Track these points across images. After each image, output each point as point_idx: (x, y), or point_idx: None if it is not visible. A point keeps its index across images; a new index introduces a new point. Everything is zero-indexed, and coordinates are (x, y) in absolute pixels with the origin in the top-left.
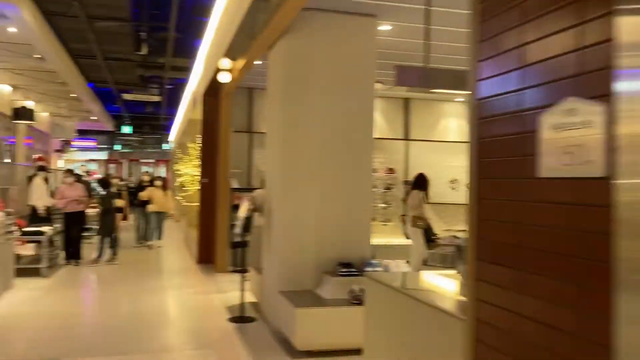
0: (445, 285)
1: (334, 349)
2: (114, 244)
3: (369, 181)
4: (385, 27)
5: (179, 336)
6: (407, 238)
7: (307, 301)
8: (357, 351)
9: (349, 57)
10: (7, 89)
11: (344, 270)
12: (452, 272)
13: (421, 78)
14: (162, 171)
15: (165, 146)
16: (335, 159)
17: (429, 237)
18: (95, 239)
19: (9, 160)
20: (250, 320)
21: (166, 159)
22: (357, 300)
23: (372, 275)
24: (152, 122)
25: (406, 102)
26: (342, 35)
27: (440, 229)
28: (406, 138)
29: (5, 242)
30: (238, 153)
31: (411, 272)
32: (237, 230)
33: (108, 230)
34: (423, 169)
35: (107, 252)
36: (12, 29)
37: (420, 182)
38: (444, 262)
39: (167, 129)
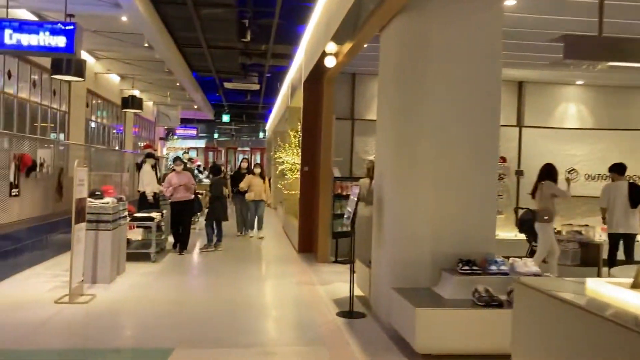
0: (632, 301)
1: (456, 354)
2: (219, 232)
3: (493, 171)
4: (510, 1)
5: (288, 329)
6: (520, 232)
7: (426, 301)
8: (483, 357)
9: (472, 36)
10: (116, 78)
11: (465, 268)
12: (625, 280)
13: (598, 50)
14: (257, 159)
15: (260, 135)
16: (456, 147)
17: None
18: (200, 226)
19: (118, 148)
20: (360, 315)
21: (261, 147)
22: (482, 302)
23: (526, 281)
24: (250, 111)
25: (520, 85)
26: (464, 12)
27: (558, 224)
28: (519, 124)
29: (119, 227)
30: (339, 141)
31: (573, 279)
32: (346, 220)
33: (217, 217)
34: (537, 157)
35: (213, 239)
36: (123, 18)
37: (551, 173)
38: (565, 260)
39: (263, 117)
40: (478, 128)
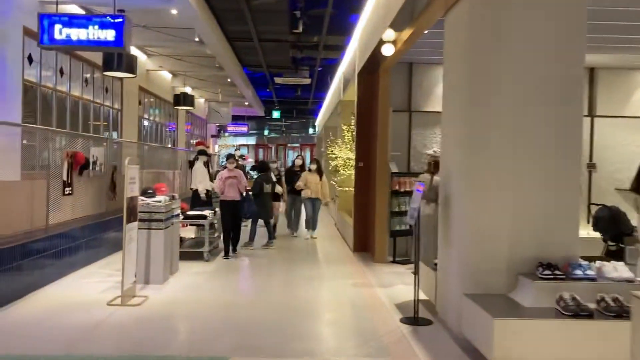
0: None
1: None
2: (268, 230)
3: (576, 164)
4: None
5: (348, 337)
6: (595, 230)
7: (505, 310)
8: None
9: (553, 15)
10: (168, 76)
11: (546, 272)
12: None
13: None
14: (307, 155)
15: (310, 130)
16: (535, 139)
17: (624, 230)
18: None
19: (170, 146)
20: (425, 322)
21: (311, 143)
22: (569, 311)
23: None
24: (300, 107)
25: (591, 72)
26: None
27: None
28: (591, 114)
29: (171, 226)
30: (396, 134)
31: None
32: (410, 219)
33: (258, 215)
34: (611, 149)
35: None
36: (173, 11)
37: None
38: None
39: (313, 112)
40: (559, 117)
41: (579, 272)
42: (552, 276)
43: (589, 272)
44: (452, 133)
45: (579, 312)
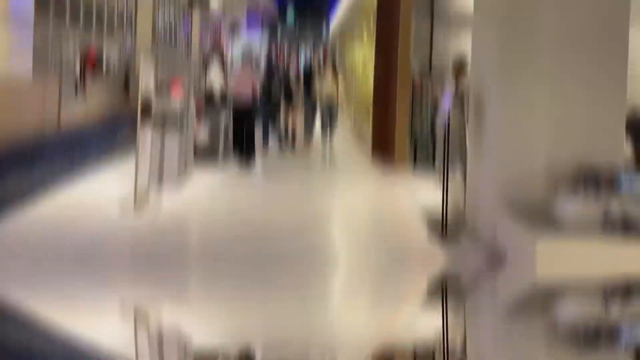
0: None
1: None
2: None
3: (623, 67)
4: None
5: (374, 242)
6: None
7: (547, 226)
8: None
9: None
10: None
11: (590, 183)
12: None
13: None
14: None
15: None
16: (579, 37)
17: None
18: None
19: (182, 47)
20: (454, 233)
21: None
22: (616, 226)
23: None
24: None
25: None
26: None
27: None
28: None
29: (187, 129)
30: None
31: None
32: (439, 129)
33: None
34: None
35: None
36: None
37: None
38: None
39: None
40: (608, 18)
41: (625, 183)
42: (596, 187)
43: (636, 183)
44: (488, 32)
45: (628, 227)
